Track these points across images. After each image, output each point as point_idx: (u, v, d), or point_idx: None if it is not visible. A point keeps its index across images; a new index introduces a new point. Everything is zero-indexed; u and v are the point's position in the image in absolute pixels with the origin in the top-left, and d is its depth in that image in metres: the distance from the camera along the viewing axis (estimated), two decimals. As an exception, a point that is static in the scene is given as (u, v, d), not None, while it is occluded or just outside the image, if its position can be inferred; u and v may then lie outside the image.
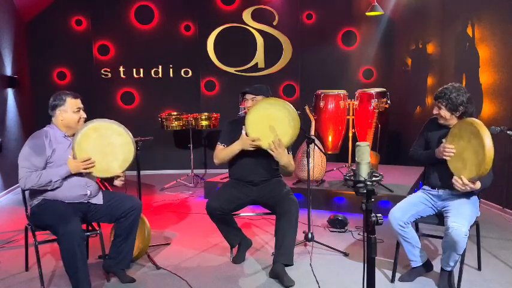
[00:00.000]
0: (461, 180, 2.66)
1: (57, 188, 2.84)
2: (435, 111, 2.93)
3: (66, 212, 2.78)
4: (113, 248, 3.06)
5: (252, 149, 3.14)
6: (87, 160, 2.83)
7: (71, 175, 2.86)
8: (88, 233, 3.17)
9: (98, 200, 3.02)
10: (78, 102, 2.95)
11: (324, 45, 6.96)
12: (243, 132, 3.18)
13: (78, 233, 2.68)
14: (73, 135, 2.94)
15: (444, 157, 2.80)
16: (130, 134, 2.95)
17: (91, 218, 3.04)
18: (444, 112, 2.88)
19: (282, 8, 6.93)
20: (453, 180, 2.70)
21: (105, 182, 3.25)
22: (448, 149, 2.77)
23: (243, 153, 3.22)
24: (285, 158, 3.15)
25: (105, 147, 2.88)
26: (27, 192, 2.97)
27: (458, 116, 2.87)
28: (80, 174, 2.90)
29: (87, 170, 2.86)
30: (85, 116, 2.97)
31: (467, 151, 2.67)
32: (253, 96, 3.29)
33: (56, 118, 2.93)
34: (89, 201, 2.98)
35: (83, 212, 2.95)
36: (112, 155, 2.90)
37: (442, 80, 5.55)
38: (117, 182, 3.05)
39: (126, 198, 3.06)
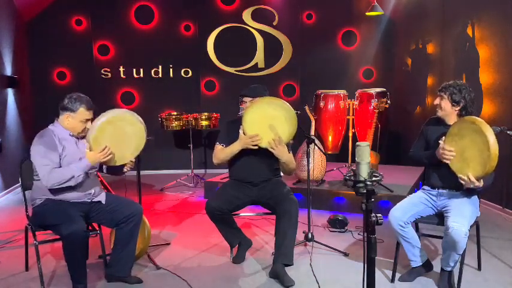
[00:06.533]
0: (469, 178, 2.63)
1: (80, 182, 2.84)
2: (436, 102, 2.93)
3: (71, 212, 2.79)
4: (113, 255, 3.03)
5: (252, 147, 3.14)
6: (104, 149, 2.82)
7: (90, 168, 2.87)
8: (88, 233, 3.16)
9: (101, 198, 3.02)
10: (88, 114, 2.93)
11: (324, 45, 6.95)
12: (241, 131, 3.18)
13: (82, 232, 2.71)
14: (78, 133, 2.95)
15: (445, 160, 2.78)
16: (142, 121, 2.99)
17: (92, 219, 3.04)
18: (445, 103, 2.87)
19: (282, 8, 6.93)
20: (459, 179, 2.68)
21: (107, 184, 3.25)
22: (448, 152, 2.75)
23: (243, 154, 3.22)
24: (285, 155, 3.16)
25: (119, 137, 2.89)
26: (27, 192, 2.97)
27: (457, 112, 2.86)
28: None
29: (106, 159, 2.86)
30: (90, 126, 2.91)
31: (470, 150, 2.64)
32: (251, 99, 3.29)
33: (62, 120, 2.93)
34: (92, 199, 2.98)
35: (85, 212, 2.94)
36: (126, 144, 2.93)
37: (442, 80, 5.51)
38: (126, 168, 3.05)
39: (128, 204, 3.06)
